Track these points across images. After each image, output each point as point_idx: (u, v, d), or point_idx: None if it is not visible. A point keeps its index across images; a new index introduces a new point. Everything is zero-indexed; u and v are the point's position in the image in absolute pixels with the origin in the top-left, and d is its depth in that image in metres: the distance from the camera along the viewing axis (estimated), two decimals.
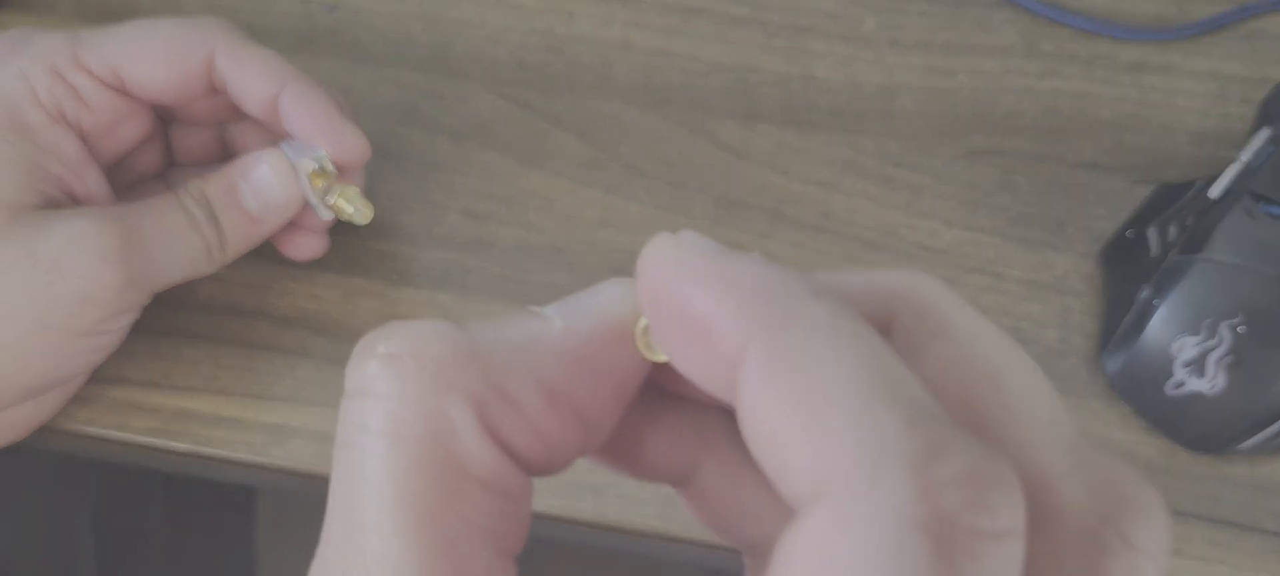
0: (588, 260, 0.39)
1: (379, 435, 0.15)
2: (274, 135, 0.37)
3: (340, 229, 0.39)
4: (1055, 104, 0.41)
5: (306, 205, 0.35)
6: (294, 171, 0.35)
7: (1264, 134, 0.37)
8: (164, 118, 0.37)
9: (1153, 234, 0.37)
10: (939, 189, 0.40)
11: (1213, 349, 0.35)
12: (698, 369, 0.14)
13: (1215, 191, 0.36)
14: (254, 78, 0.34)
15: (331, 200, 0.35)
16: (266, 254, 0.38)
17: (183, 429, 0.36)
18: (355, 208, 0.36)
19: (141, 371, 0.37)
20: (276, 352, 0.37)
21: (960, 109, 0.41)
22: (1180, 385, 0.35)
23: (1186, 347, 0.35)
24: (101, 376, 0.37)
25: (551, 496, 0.36)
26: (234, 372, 0.37)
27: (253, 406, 0.37)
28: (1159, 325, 0.35)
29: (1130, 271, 0.37)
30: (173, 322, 0.38)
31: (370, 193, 0.37)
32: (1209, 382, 0.35)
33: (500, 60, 0.42)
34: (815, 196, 0.40)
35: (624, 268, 0.38)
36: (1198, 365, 0.35)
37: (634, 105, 0.41)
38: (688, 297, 0.13)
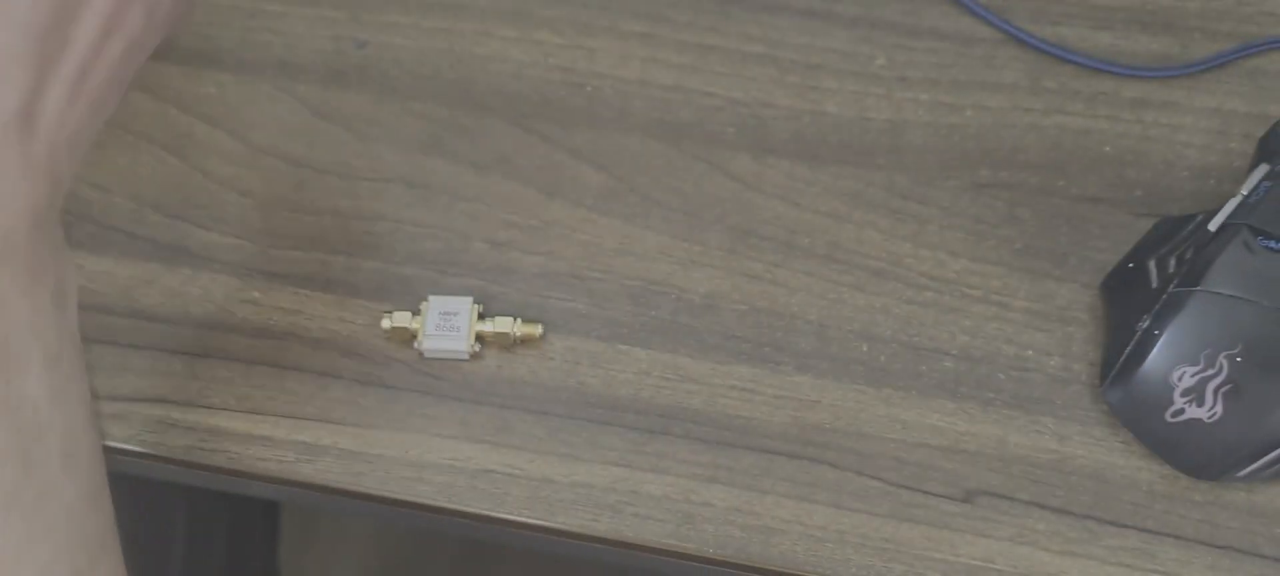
0: (606, 286, 0.40)
1: None
2: None
3: (366, 253, 0.40)
4: (1059, 139, 0.42)
5: None
6: None
7: (1263, 170, 0.37)
8: None
9: (1153, 266, 0.38)
10: (945, 220, 0.41)
11: (1212, 378, 0.35)
12: None
13: (1214, 225, 0.36)
14: None
15: None
16: (299, 280, 0.40)
17: (217, 446, 0.38)
18: None
19: (177, 391, 0.39)
20: (307, 373, 0.39)
21: (966, 143, 0.42)
22: (1180, 413, 0.36)
23: (1186, 377, 0.35)
24: (138, 395, 0.38)
25: (568, 514, 0.37)
26: (266, 392, 0.38)
27: (284, 425, 0.38)
28: (1159, 355, 0.36)
29: (1131, 302, 0.37)
30: (207, 344, 0.39)
31: (397, 217, 0.39)
32: (1208, 411, 0.35)
33: (523, 95, 0.44)
34: (825, 227, 0.41)
35: (641, 293, 0.40)
36: (1197, 394, 0.35)
37: (651, 138, 0.43)
38: None
